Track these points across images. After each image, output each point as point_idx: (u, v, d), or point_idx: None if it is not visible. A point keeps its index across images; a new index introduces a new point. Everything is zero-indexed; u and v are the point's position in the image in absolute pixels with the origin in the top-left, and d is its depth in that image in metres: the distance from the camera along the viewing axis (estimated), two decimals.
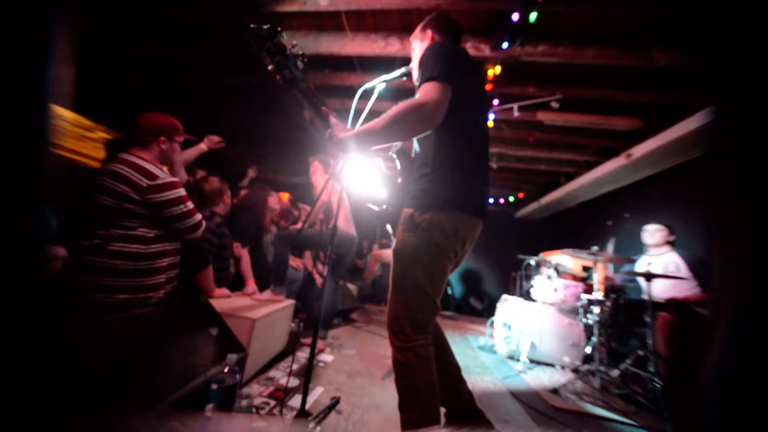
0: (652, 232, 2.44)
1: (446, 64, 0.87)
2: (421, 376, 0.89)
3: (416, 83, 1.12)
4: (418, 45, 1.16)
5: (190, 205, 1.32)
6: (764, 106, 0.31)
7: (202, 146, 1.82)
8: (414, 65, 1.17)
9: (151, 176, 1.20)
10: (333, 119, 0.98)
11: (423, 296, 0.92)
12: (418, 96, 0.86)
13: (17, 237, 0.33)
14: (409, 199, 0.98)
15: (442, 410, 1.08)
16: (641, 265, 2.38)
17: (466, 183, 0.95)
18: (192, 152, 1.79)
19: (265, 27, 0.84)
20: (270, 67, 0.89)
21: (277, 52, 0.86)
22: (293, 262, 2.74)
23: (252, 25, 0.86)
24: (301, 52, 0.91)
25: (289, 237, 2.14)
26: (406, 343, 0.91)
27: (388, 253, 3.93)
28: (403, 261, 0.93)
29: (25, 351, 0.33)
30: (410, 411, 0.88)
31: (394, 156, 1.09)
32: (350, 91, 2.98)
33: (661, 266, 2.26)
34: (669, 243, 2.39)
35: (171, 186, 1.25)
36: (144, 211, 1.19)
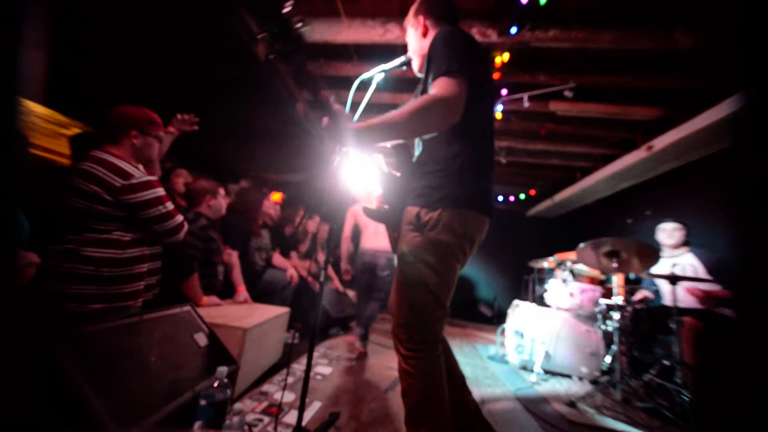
0: (671, 232, 2.42)
1: (462, 56, 0.88)
2: (431, 388, 0.89)
3: (421, 74, 1.12)
4: (412, 32, 1.16)
5: (170, 206, 1.30)
6: None
7: (171, 129, 1.66)
8: (412, 54, 1.17)
9: (125, 175, 1.19)
10: (336, 106, 0.96)
11: (432, 300, 0.92)
12: (435, 90, 0.86)
13: None
14: (413, 197, 0.98)
15: None
16: (663, 268, 2.37)
17: (475, 179, 0.95)
18: (164, 142, 1.64)
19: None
20: (261, 35, 0.84)
21: (272, 20, 0.85)
22: (282, 264, 2.74)
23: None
24: (300, 24, 0.88)
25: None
26: (414, 351, 0.90)
27: None
28: (410, 263, 0.93)
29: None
30: (418, 426, 0.87)
31: (392, 150, 1.08)
32: (346, 82, 2.97)
33: (679, 269, 2.25)
34: (686, 243, 2.38)
35: (147, 185, 1.23)
36: (118, 212, 1.18)
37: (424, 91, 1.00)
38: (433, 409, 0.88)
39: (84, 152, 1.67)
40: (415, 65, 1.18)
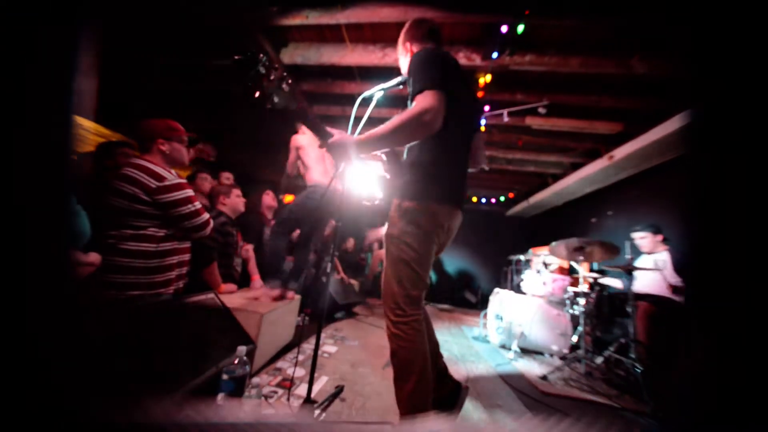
0: (639, 240, 2.40)
1: (434, 71, 0.89)
2: (416, 347, 0.93)
3: (409, 93, 1.13)
4: (403, 60, 1.17)
5: (198, 204, 1.31)
6: (736, 109, 0.31)
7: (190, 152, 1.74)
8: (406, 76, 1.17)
9: (159, 178, 1.20)
10: (331, 130, 1.01)
11: (413, 273, 0.96)
12: (414, 105, 0.87)
13: (43, 239, 0.33)
14: (398, 191, 1.02)
15: None
16: (644, 263, 2.34)
17: (448, 177, 1.00)
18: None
19: (247, 55, 0.80)
20: (256, 95, 0.84)
21: (258, 81, 0.84)
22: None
23: (235, 57, 0.82)
24: (284, 74, 0.87)
25: (281, 223, 1.97)
26: (401, 317, 0.94)
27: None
28: (395, 244, 0.98)
29: (53, 341, 0.34)
30: (407, 380, 0.90)
31: (384, 156, 1.11)
32: (350, 99, 2.97)
33: (652, 264, 2.25)
34: (663, 241, 2.34)
35: (179, 187, 1.24)
36: (154, 211, 1.19)
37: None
38: (419, 362, 0.91)
39: (108, 156, 1.66)
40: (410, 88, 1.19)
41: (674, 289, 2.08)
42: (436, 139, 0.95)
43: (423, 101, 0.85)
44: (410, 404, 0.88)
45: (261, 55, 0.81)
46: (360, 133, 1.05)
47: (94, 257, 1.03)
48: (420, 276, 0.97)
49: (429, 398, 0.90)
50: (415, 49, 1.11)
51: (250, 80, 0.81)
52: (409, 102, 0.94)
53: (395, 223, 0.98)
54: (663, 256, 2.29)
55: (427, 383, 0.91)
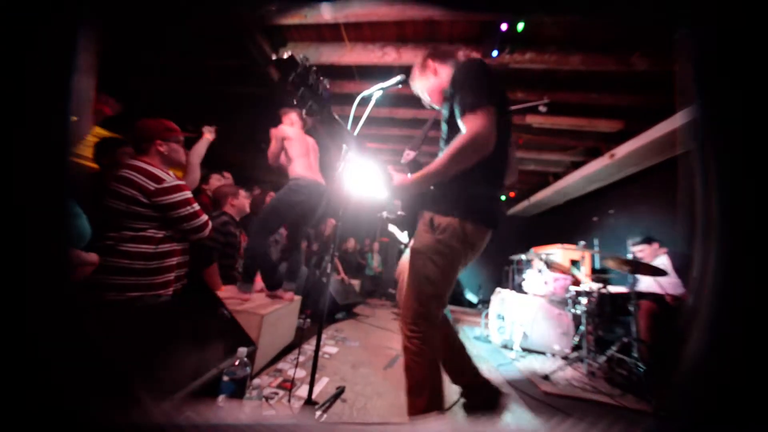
0: (638, 253, 2.40)
1: (485, 87, 0.87)
2: (431, 363, 0.91)
3: (439, 106, 1.12)
4: (423, 80, 1.14)
5: (196, 206, 1.31)
6: (738, 107, 0.31)
7: (208, 137, 1.74)
8: (430, 93, 1.14)
9: (157, 180, 1.20)
10: (390, 169, 0.99)
11: (435, 291, 0.94)
12: (468, 127, 0.85)
13: (42, 238, 0.33)
14: (429, 204, 0.99)
15: (457, 388, 1.12)
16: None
17: (485, 194, 0.96)
18: (201, 146, 1.73)
19: (286, 56, 0.76)
20: (295, 101, 0.80)
21: (301, 84, 0.79)
22: None
23: (274, 57, 0.82)
24: (323, 79, 0.83)
25: (263, 221, 1.82)
26: (417, 333, 0.93)
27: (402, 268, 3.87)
28: (420, 258, 0.95)
29: (53, 342, 0.34)
30: (419, 395, 0.89)
31: (405, 166, 1.09)
32: (349, 98, 2.96)
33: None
34: (660, 248, 2.36)
35: (177, 189, 1.24)
36: (152, 213, 1.19)
37: (450, 119, 0.98)
38: (433, 379, 0.90)
39: (105, 155, 1.67)
40: (430, 99, 1.17)
41: (674, 298, 2.08)
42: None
43: (475, 124, 0.83)
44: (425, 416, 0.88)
45: (303, 56, 0.78)
46: (357, 133, 1.05)
47: (93, 257, 1.03)
48: (442, 295, 0.96)
49: (443, 413, 0.90)
50: (436, 64, 1.10)
51: (291, 82, 0.77)
52: (457, 115, 0.90)
53: (423, 237, 0.95)
54: (663, 260, 2.29)
55: (440, 399, 0.90)
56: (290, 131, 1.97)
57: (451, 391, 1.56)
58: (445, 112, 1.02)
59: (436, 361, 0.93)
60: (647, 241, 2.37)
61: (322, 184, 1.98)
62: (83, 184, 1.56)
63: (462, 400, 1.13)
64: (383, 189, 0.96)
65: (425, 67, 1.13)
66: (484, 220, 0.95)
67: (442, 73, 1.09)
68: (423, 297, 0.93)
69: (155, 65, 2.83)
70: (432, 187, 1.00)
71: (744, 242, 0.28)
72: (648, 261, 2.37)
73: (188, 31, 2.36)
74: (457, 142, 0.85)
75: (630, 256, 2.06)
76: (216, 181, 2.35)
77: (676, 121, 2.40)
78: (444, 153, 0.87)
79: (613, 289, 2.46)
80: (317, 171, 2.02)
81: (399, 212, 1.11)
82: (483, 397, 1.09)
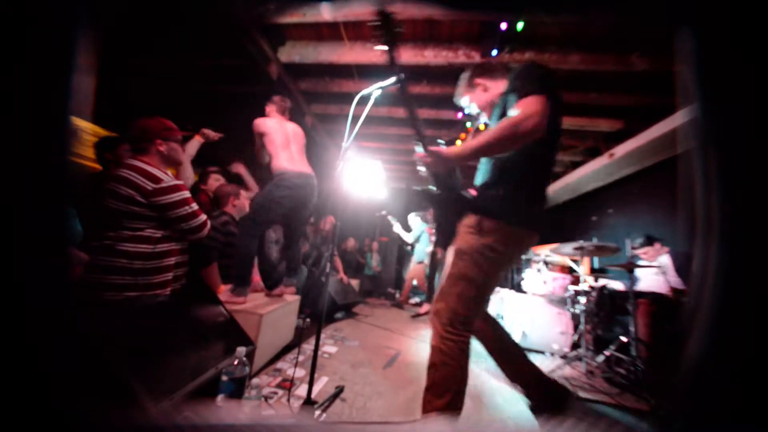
0: (641, 255, 2.41)
1: (542, 79, 0.88)
2: (459, 366, 0.91)
3: (489, 121, 1.14)
4: (472, 98, 1.18)
5: (195, 206, 1.31)
6: (739, 106, 0.31)
7: (199, 138, 1.73)
8: (480, 109, 1.18)
9: (155, 180, 1.19)
10: (435, 146, 1.00)
11: (476, 294, 0.94)
12: (519, 111, 0.84)
13: (41, 239, 0.33)
14: (476, 206, 0.98)
15: (520, 388, 1.13)
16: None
17: (534, 200, 0.96)
18: (192, 146, 1.74)
19: (382, 14, 0.79)
20: (393, 79, 0.92)
21: (394, 40, 0.86)
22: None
23: (369, 23, 0.83)
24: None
25: (251, 221, 1.76)
26: (452, 335, 0.92)
27: (416, 272, 3.88)
28: (464, 260, 0.94)
29: (49, 344, 0.34)
30: (441, 396, 0.89)
31: (426, 172, 1.06)
32: (348, 98, 2.96)
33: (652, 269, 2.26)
34: (661, 247, 2.36)
35: (175, 189, 1.24)
36: (151, 213, 1.19)
37: (503, 107, 0.99)
38: (458, 382, 0.90)
39: (106, 154, 1.67)
40: (480, 112, 1.20)
41: (675, 291, 2.09)
42: (534, 156, 0.94)
43: (526, 107, 0.83)
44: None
45: (393, 12, 0.79)
46: (356, 132, 1.05)
47: (82, 256, 1.03)
48: (482, 298, 0.96)
49: (457, 416, 0.90)
50: (485, 80, 1.13)
51: (387, 41, 0.81)
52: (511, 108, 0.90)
53: (469, 239, 0.95)
54: (664, 259, 2.29)
55: (460, 402, 0.90)
56: (266, 125, 1.89)
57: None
58: (493, 122, 1.04)
59: (466, 367, 0.92)
60: (649, 242, 2.37)
61: (307, 175, 1.89)
62: (81, 184, 1.56)
63: (527, 402, 1.12)
64: (427, 163, 0.95)
65: (474, 85, 1.16)
66: (531, 225, 0.95)
67: (492, 88, 1.12)
68: (463, 299, 0.93)
69: (152, 65, 2.82)
70: (480, 190, 1.01)
71: (746, 241, 0.28)
72: (650, 261, 2.38)
73: (186, 30, 2.35)
74: (507, 119, 0.84)
75: (629, 255, 2.07)
76: (214, 181, 2.34)
77: (676, 120, 2.41)
78: (492, 128, 0.86)
79: (613, 284, 2.47)
80: (302, 161, 1.93)
81: (437, 220, 1.10)
82: (549, 398, 1.08)
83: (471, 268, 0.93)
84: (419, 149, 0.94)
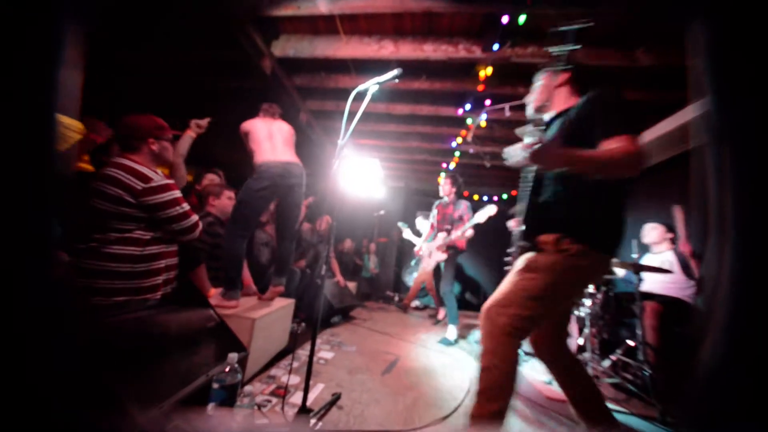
0: (649, 230, 2.46)
1: (633, 118, 0.91)
2: (511, 372, 0.94)
3: (540, 113, 1.19)
4: (544, 83, 1.21)
5: (186, 206, 1.30)
6: (753, 100, 0.31)
7: (190, 133, 1.70)
8: (544, 96, 1.20)
9: (145, 179, 1.18)
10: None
11: (540, 312, 0.95)
12: (625, 145, 0.86)
13: (25, 241, 0.32)
14: (562, 225, 0.98)
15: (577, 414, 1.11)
16: (649, 262, 2.37)
17: (620, 223, 0.98)
18: (184, 143, 1.71)
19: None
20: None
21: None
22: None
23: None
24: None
25: (235, 220, 1.74)
26: (509, 344, 0.94)
27: (427, 275, 3.87)
28: (538, 277, 0.95)
29: (35, 350, 0.33)
30: (493, 402, 0.91)
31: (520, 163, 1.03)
32: (345, 93, 2.96)
33: (657, 265, 2.27)
34: (670, 241, 2.38)
35: (166, 188, 1.23)
36: (140, 213, 1.17)
37: (568, 127, 1.00)
38: (508, 389, 0.92)
39: (103, 157, 1.65)
40: (536, 102, 1.22)
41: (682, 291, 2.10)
42: (623, 183, 0.95)
43: (632, 144, 0.85)
44: (490, 423, 0.89)
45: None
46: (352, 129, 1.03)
47: (62, 257, 1.02)
48: (545, 316, 0.97)
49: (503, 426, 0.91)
50: (567, 78, 1.15)
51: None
52: (601, 133, 0.91)
53: (549, 257, 0.96)
54: (668, 257, 2.30)
55: (507, 411, 0.92)
56: (250, 124, 1.91)
57: (451, 394, 1.56)
58: (565, 120, 1.04)
59: (515, 370, 0.94)
60: (666, 226, 2.40)
61: (287, 162, 1.83)
62: (65, 182, 1.54)
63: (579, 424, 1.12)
64: (536, 157, 0.90)
65: (554, 76, 1.18)
66: (612, 251, 0.97)
67: (570, 90, 1.15)
68: (525, 313, 0.94)
69: (139, 60, 2.80)
70: (568, 210, 1.00)
71: (762, 240, 0.28)
72: (652, 242, 2.41)
73: (175, 22, 2.33)
74: (622, 148, 0.86)
75: (634, 255, 2.07)
76: (208, 181, 2.33)
77: (685, 115, 2.42)
78: (606, 150, 0.87)
79: (620, 281, 2.48)
80: (285, 151, 1.90)
81: (521, 227, 1.09)
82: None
83: (548, 287, 0.94)
84: (530, 138, 0.91)
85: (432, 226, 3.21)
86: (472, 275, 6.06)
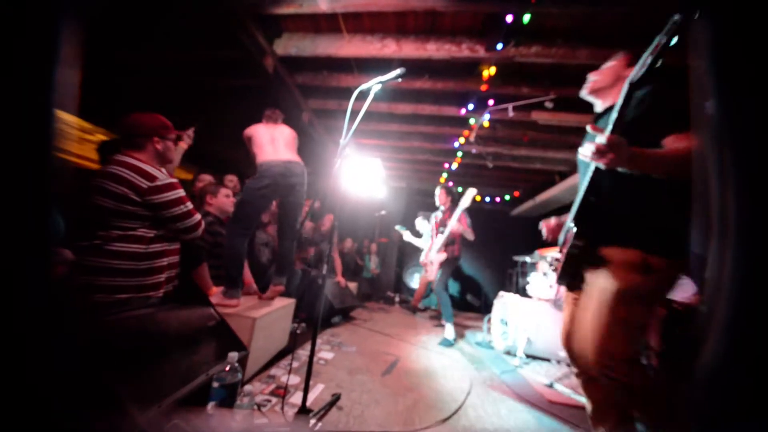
0: None
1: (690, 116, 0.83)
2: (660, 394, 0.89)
3: (604, 99, 1.12)
4: (613, 64, 1.13)
5: (190, 205, 1.31)
6: (757, 101, 0.31)
7: (183, 145, 1.73)
8: (608, 78, 1.12)
9: (150, 178, 1.19)
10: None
11: (628, 337, 0.88)
12: (686, 144, 0.81)
13: (25, 238, 0.33)
14: (630, 235, 0.89)
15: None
16: None
17: (688, 225, 0.88)
18: (177, 155, 1.72)
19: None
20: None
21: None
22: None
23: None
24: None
25: (236, 219, 1.76)
26: (624, 371, 0.88)
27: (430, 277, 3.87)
28: (626, 303, 0.87)
29: (35, 349, 0.33)
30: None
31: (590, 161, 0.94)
32: (347, 92, 2.96)
33: None
34: None
35: (171, 187, 1.24)
36: (144, 212, 1.18)
37: (620, 119, 0.89)
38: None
39: (110, 157, 1.66)
40: (597, 83, 1.16)
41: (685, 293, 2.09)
42: (686, 184, 0.87)
43: (691, 143, 0.79)
44: None
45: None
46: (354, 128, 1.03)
47: (67, 254, 1.03)
48: (637, 338, 0.91)
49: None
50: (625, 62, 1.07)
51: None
52: (629, 112, 0.85)
53: (631, 278, 0.86)
54: None
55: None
56: (252, 129, 1.97)
57: (451, 396, 1.56)
58: (633, 112, 0.92)
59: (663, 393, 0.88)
60: None
61: (288, 161, 1.86)
62: (67, 180, 1.55)
63: None
64: (610, 159, 0.81)
65: (617, 59, 1.11)
66: (687, 260, 0.88)
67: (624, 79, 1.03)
68: (623, 338, 0.86)
69: (140, 59, 2.81)
70: (642, 218, 0.91)
71: (763, 241, 0.28)
72: None
73: (176, 22, 2.34)
74: (687, 150, 0.79)
75: None
76: (203, 182, 2.34)
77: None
78: (679, 150, 0.81)
79: None
80: (286, 151, 1.94)
81: (579, 243, 0.98)
82: None
83: (633, 312, 0.86)
84: (601, 139, 0.81)
85: (432, 238, 3.24)
86: (472, 275, 6.05)
